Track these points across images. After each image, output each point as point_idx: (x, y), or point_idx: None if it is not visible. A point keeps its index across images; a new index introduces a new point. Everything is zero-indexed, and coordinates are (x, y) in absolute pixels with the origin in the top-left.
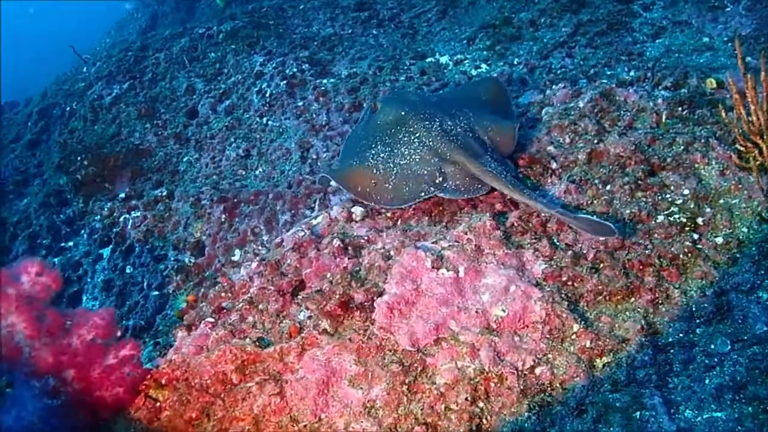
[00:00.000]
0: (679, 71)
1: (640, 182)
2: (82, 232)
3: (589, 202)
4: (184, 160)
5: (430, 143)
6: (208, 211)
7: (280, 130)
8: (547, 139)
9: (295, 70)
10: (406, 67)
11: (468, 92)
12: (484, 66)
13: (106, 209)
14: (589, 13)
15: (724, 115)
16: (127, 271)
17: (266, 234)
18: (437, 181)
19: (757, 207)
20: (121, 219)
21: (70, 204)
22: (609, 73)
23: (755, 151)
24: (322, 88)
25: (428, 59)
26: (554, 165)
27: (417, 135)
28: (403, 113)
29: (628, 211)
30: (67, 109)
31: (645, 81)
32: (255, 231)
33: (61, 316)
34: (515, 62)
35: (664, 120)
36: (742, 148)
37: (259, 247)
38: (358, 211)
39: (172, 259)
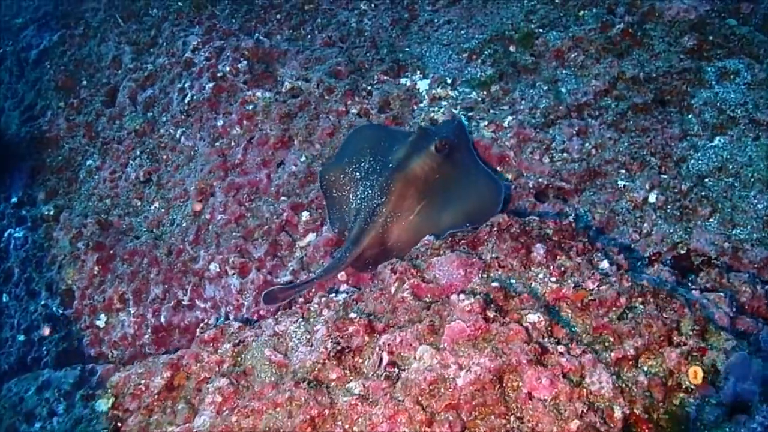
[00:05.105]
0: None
1: None
2: None
3: None
4: (87, 164)
5: (360, 206)
6: (83, 258)
7: (191, 153)
8: None
9: (228, 69)
10: (367, 91)
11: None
12: (463, 120)
13: None
14: (639, 63)
15: None
16: (3, 299)
17: (133, 306)
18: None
19: None
20: (6, 234)
21: None
22: (622, 184)
23: None
24: (250, 107)
25: (402, 80)
26: None
27: (370, 191)
28: (391, 166)
29: None
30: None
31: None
32: (123, 297)
33: None
34: (506, 123)
35: None
36: None
37: None
38: None
39: (42, 302)
